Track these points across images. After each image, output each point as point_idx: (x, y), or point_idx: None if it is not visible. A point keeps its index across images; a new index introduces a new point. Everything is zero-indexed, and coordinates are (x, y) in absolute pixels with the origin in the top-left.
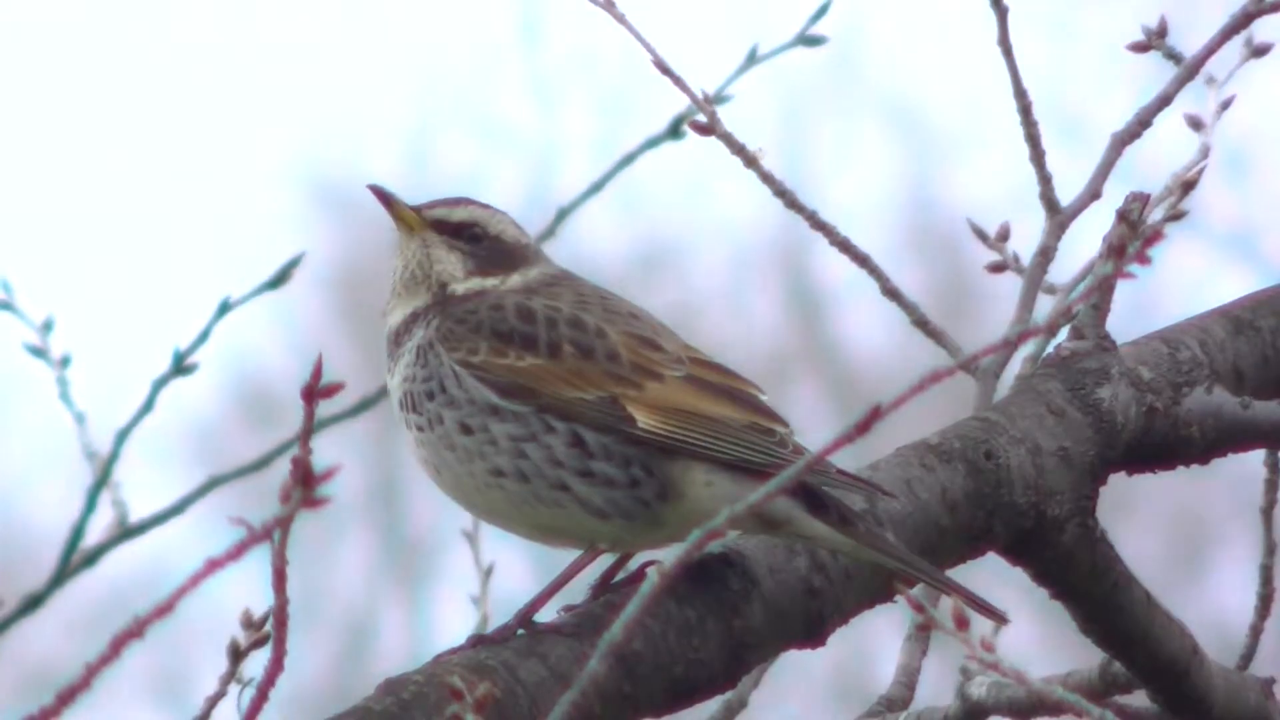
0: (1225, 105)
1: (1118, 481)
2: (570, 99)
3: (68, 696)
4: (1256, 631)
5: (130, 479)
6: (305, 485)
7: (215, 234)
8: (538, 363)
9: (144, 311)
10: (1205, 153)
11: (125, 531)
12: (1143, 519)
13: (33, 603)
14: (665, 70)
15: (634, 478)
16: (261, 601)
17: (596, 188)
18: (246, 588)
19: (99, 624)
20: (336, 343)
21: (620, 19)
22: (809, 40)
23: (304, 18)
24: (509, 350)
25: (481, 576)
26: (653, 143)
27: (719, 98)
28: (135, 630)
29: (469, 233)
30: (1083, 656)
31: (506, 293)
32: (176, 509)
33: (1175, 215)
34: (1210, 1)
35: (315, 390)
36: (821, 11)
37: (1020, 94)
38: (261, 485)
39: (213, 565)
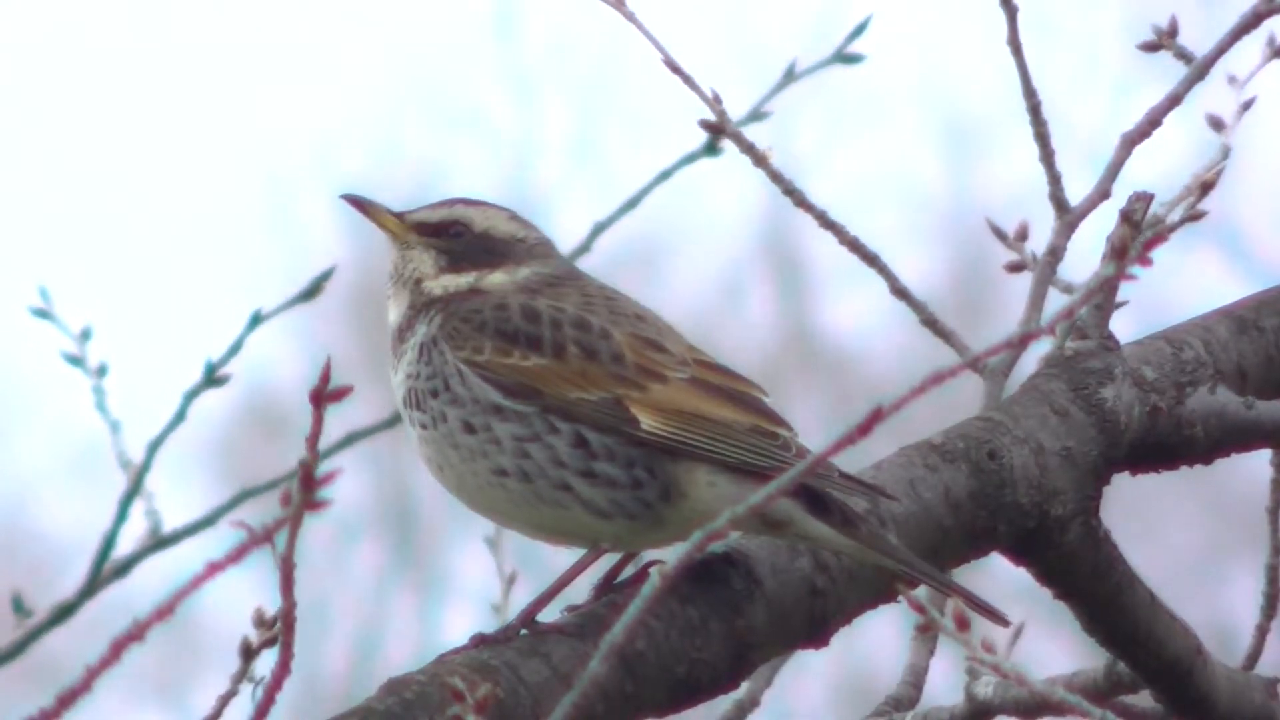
0: (1246, 106)
1: (1123, 483)
2: (547, 92)
3: (68, 699)
4: (1262, 631)
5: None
6: (307, 489)
7: (206, 239)
8: (542, 363)
9: (139, 316)
10: (1225, 153)
11: (158, 542)
12: (1145, 521)
13: (63, 612)
14: (675, 70)
15: (637, 479)
16: (265, 604)
17: (632, 203)
18: (236, 591)
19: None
20: (347, 349)
21: (630, 17)
22: (846, 58)
23: (275, 18)
24: (514, 350)
25: (504, 584)
26: (689, 158)
27: (757, 114)
28: (136, 633)
29: (450, 231)
30: (1092, 656)
31: (510, 292)
32: (208, 520)
33: (1194, 216)
34: (1188, 2)
35: (324, 394)
36: (860, 29)
37: (1030, 93)
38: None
39: (213, 568)
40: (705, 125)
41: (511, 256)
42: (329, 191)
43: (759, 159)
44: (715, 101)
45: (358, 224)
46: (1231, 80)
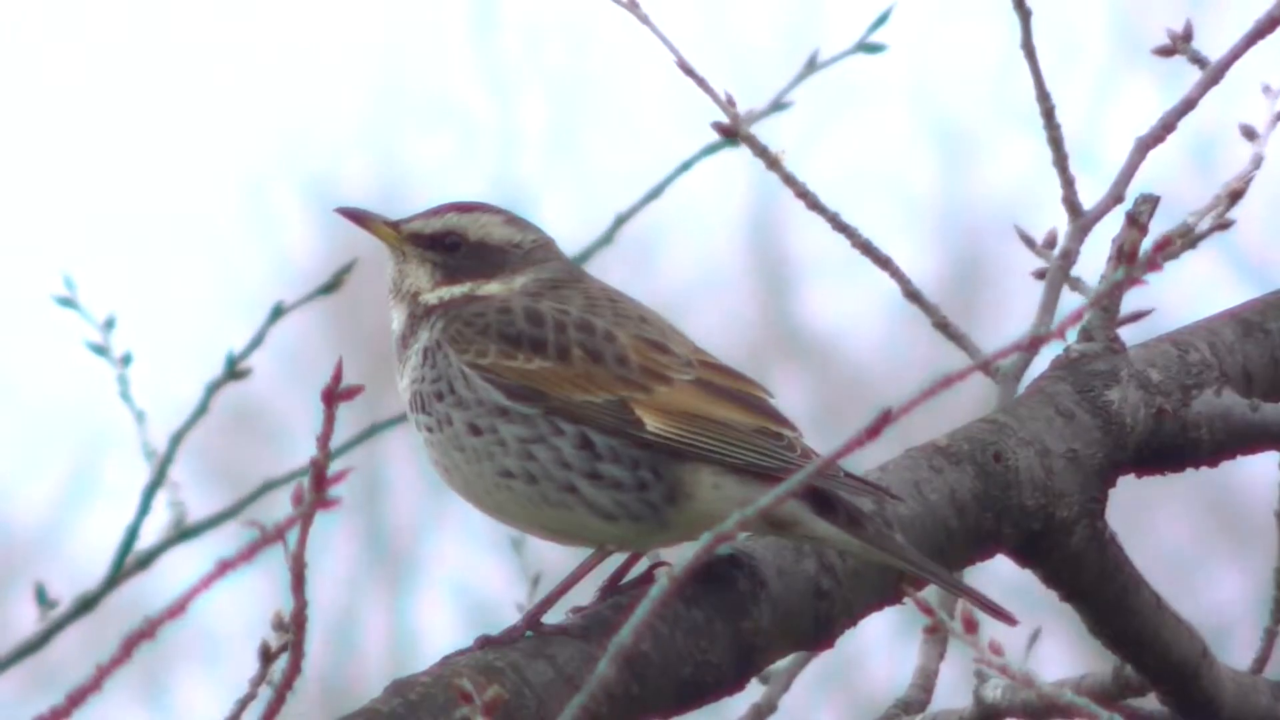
0: (1279, 117)
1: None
2: (525, 86)
3: (79, 697)
4: (1271, 635)
5: (110, 480)
6: (319, 487)
7: (181, 233)
8: (547, 365)
9: (117, 306)
10: (1258, 162)
11: (181, 533)
12: (1131, 520)
13: (86, 605)
14: (688, 71)
15: (642, 480)
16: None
17: (655, 193)
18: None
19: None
20: (320, 343)
21: (644, 19)
22: (868, 48)
23: (251, 14)
24: (518, 353)
25: (529, 585)
26: (710, 149)
27: (778, 104)
28: (147, 631)
29: (445, 242)
30: (1100, 659)
31: (513, 295)
32: (230, 513)
33: (1222, 225)
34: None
35: (335, 393)
36: (882, 20)
37: (1043, 96)
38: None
39: (224, 567)
40: (719, 128)
41: (507, 265)
42: (305, 187)
43: (772, 161)
44: (729, 104)
45: (334, 219)
46: (1266, 90)
